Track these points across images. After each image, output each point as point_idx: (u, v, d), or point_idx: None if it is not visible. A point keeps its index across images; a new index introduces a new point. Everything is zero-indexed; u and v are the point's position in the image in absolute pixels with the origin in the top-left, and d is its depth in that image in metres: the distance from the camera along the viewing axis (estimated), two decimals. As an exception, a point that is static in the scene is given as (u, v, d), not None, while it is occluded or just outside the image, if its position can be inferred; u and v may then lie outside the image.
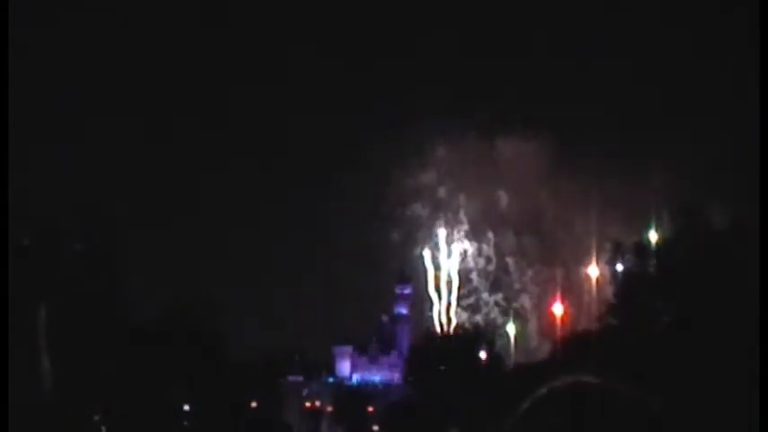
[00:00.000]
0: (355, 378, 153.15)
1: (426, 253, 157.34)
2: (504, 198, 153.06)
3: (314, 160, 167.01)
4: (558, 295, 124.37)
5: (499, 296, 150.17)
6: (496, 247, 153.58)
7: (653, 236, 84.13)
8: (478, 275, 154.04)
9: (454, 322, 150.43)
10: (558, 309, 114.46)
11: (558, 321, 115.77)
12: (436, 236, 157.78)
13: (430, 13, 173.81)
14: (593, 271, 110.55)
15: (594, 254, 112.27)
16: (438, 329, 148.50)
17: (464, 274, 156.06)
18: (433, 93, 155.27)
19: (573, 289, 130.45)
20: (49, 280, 76.23)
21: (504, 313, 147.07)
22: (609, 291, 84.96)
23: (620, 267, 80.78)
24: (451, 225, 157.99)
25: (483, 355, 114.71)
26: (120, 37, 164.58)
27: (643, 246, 79.27)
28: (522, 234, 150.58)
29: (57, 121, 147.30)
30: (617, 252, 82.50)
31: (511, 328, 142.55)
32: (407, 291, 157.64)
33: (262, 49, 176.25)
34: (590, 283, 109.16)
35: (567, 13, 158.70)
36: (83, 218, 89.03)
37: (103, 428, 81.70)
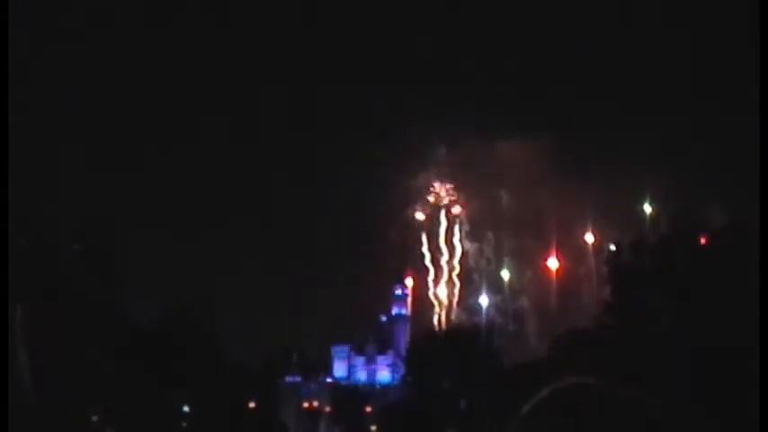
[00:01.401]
0: (353, 378, 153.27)
1: (426, 253, 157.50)
2: (504, 199, 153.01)
3: (314, 161, 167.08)
4: (553, 251, 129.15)
5: (498, 298, 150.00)
6: (496, 247, 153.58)
7: (647, 209, 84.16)
8: (479, 276, 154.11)
9: (454, 322, 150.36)
10: (552, 263, 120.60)
11: (554, 274, 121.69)
12: (437, 236, 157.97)
13: (429, 14, 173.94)
14: (588, 238, 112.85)
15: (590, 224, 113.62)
16: (437, 329, 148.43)
17: (464, 275, 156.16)
18: (433, 93, 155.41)
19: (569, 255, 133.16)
20: (49, 280, 76.26)
21: (504, 315, 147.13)
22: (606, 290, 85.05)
23: (612, 247, 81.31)
24: (452, 225, 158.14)
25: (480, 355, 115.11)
26: (118, 36, 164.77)
27: (640, 244, 79.33)
28: (522, 235, 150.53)
29: (56, 121, 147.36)
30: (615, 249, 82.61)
31: (505, 274, 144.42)
32: (405, 291, 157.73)
33: (260, 49, 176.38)
34: (587, 248, 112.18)
35: (567, 12, 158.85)
36: (82, 218, 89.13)
37: (108, 428, 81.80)
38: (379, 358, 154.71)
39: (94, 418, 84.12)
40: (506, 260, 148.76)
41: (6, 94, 63.98)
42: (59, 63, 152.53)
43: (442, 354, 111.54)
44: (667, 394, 63.87)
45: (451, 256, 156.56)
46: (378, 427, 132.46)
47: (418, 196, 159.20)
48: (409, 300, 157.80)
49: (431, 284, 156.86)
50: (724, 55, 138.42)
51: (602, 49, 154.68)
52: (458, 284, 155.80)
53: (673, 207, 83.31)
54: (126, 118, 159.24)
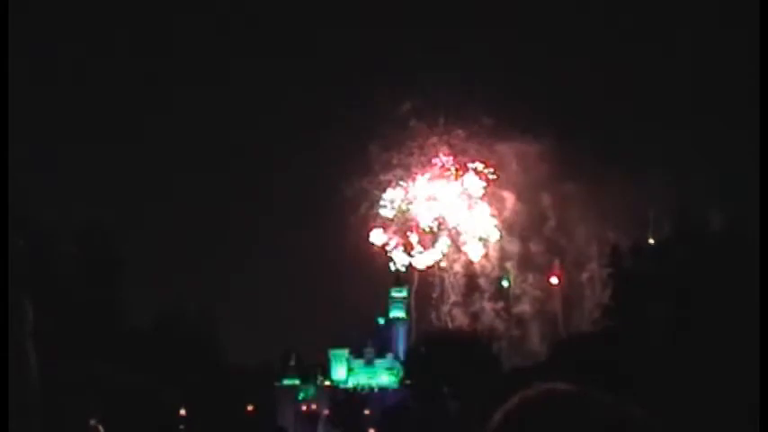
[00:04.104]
0: (351, 381, 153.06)
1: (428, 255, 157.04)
2: (508, 202, 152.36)
3: (314, 162, 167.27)
4: (555, 269, 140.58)
5: (500, 304, 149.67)
6: (500, 251, 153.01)
7: (651, 240, 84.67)
8: (481, 280, 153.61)
9: (454, 326, 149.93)
10: (554, 279, 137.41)
11: (557, 287, 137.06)
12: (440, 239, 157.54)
13: (429, 14, 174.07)
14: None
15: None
16: (437, 333, 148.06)
17: (466, 279, 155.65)
18: (434, 94, 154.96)
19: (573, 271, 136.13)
20: (46, 282, 76.22)
21: (505, 321, 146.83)
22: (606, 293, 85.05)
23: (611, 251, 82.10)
24: (456, 227, 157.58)
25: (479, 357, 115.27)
26: (115, 36, 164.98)
27: (640, 248, 79.35)
28: (525, 239, 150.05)
29: (57, 123, 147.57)
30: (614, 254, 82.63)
31: (505, 282, 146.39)
32: (403, 294, 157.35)
33: (260, 50, 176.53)
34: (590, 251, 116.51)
35: (567, 11, 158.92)
36: (81, 220, 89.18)
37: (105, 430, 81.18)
38: (378, 362, 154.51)
39: (92, 422, 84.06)
40: (509, 264, 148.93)
41: (6, 94, 63.98)
42: (60, 63, 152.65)
43: (442, 357, 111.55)
44: (658, 398, 63.87)
45: (454, 259, 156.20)
46: (376, 431, 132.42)
47: (419, 197, 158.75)
48: (411, 302, 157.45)
49: (432, 286, 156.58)
50: (726, 55, 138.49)
51: (600, 50, 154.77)
52: (457, 287, 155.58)
53: (673, 209, 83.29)
54: (126, 118, 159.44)
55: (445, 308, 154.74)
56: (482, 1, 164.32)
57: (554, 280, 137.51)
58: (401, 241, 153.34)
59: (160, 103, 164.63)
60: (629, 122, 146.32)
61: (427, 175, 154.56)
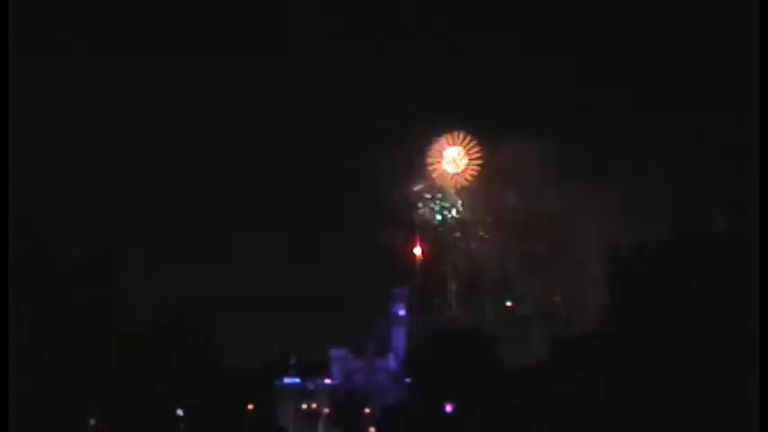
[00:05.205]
0: (351, 381, 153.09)
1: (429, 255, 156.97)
2: (510, 202, 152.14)
3: (314, 162, 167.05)
4: (558, 295, 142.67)
5: (501, 304, 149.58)
6: (502, 251, 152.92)
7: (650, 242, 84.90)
8: (483, 280, 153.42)
9: (454, 325, 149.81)
10: (557, 299, 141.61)
11: (559, 302, 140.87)
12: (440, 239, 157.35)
13: (427, 13, 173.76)
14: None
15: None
16: (437, 332, 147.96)
17: (467, 279, 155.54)
18: (434, 95, 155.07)
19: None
20: (46, 283, 76.19)
21: (506, 321, 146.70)
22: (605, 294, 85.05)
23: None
24: (458, 228, 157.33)
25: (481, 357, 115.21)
26: (115, 37, 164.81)
27: (640, 248, 79.32)
28: (528, 239, 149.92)
29: (57, 123, 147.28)
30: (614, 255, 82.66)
31: (509, 302, 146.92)
32: (404, 293, 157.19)
33: (260, 54, 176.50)
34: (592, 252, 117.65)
35: (567, 11, 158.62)
36: (82, 219, 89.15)
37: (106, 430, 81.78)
38: (378, 361, 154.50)
39: (92, 422, 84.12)
40: (511, 264, 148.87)
41: (6, 94, 64.02)
42: (60, 62, 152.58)
43: (442, 357, 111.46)
44: (658, 397, 63.92)
45: (456, 258, 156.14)
46: (376, 430, 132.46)
47: (421, 198, 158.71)
48: (412, 301, 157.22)
49: (432, 286, 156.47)
50: (727, 54, 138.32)
51: (601, 49, 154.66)
52: (459, 287, 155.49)
53: (673, 209, 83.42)
54: (127, 118, 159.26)
55: (446, 307, 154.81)
56: (483, 1, 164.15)
57: (557, 299, 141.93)
58: (404, 238, 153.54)
59: (160, 103, 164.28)
60: (629, 122, 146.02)
61: (430, 174, 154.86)
